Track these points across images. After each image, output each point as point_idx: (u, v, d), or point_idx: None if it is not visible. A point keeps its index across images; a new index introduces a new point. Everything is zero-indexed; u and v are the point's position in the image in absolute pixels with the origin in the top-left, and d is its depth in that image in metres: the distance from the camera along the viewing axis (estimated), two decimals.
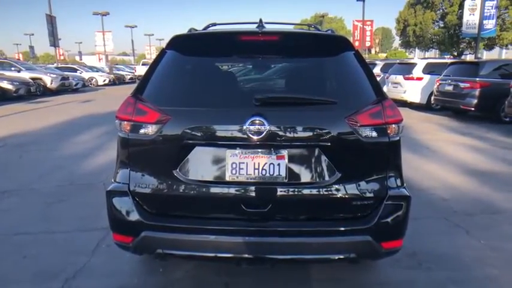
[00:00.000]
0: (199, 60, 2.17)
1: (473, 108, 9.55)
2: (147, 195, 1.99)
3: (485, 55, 29.91)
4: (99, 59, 53.86)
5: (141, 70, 29.03)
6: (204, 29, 2.71)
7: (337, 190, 1.93)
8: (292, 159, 1.91)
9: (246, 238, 1.87)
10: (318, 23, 52.20)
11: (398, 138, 2.01)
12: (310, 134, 1.91)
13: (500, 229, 3.32)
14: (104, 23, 39.64)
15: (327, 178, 1.93)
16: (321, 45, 2.19)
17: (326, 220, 1.97)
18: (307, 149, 1.93)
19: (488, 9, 18.43)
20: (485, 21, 18.52)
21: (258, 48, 2.13)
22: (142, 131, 1.95)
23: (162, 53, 2.19)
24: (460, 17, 22.01)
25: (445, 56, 26.58)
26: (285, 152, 1.90)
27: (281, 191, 1.91)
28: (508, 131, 8.17)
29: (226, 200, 1.94)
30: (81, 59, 74.24)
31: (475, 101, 9.40)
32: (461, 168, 5.26)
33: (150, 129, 1.94)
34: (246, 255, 1.91)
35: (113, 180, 2.14)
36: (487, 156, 6.01)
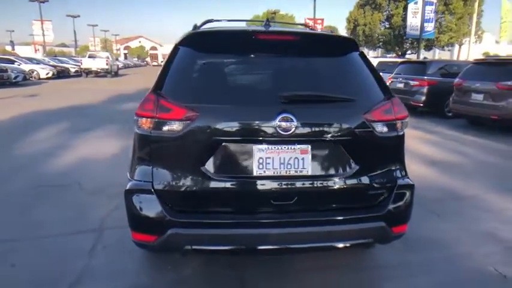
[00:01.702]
0: (219, 57, 2.19)
1: (421, 104, 10.35)
2: (174, 193, 1.98)
3: (425, 55, 32.36)
4: (36, 50, 49.80)
5: (88, 63, 27.30)
6: (201, 25, 2.73)
7: (356, 181, 2.08)
8: (315, 153, 2.02)
9: (273, 230, 1.96)
10: (270, 19, 52.59)
11: (403, 132, 2.20)
12: (332, 129, 2.04)
13: (467, 212, 3.71)
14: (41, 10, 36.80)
15: (346, 170, 2.07)
16: (333, 46, 2.31)
17: (346, 209, 2.11)
18: (329, 143, 2.05)
19: (428, 13, 19.94)
20: (425, 24, 20.03)
21: (276, 47, 2.19)
22: (166, 128, 1.94)
23: (176, 49, 2.16)
24: (405, 19, 23.62)
25: (388, 55, 28.32)
26: (308, 147, 2.01)
27: (305, 184, 2.02)
28: (452, 125, 8.96)
29: (253, 194, 2.00)
30: (13, 49, 68.21)
31: (423, 98, 10.21)
32: (420, 159, 5.72)
33: (176, 126, 1.93)
34: (275, 247, 1.99)
35: (130, 178, 2.09)
36: (439, 148, 6.59)
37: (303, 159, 2.00)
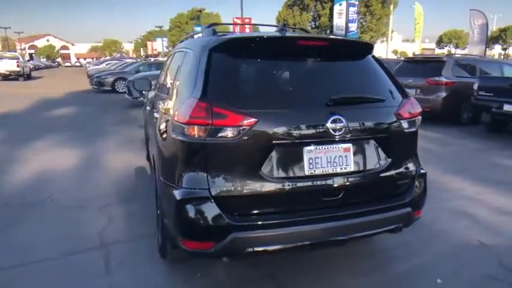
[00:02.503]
0: (258, 62, 2.23)
1: None
2: (233, 197, 2.01)
3: None
4: None
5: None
6: (208, 26, 2.80)
7: (389, 173, 2.32)
8: (355, 150, 2.21)
9: (325, 224, 2.10)
10: (195, 18, 51.98)
11: (417, 127, 2.50)
12: (370, 127, 2.25)
13: (432, 194, 4.20)
14: None
15: (381, 164, 2.30)
16: (357, 50, 2.51)
17: (383, 199, 2.34)
18: (366, 140, 2.26)
19: (351, 14, 21.54)
20: (350, 24, 21.61)
21: (312, 52, 2.33)
22: (222, 134, 1.96)
23: (210, 54, 2.16)
24: (331, 20, 25.17)
25: None
26: (350, 145, 2.19)
27: (349, 179, 2.19)
28: None
29: (306, 193, 2.12)
30: None
31: None
32: None
33: (232, 133, 1.96)
34: (326, 240, 2.15)
35: (176, 186, 2.06)
36: None
37: (346, 156, 2.18)
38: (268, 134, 2.01)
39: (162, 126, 2.47)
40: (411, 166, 2.46)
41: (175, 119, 2.12)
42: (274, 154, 2.05)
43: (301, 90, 2.22)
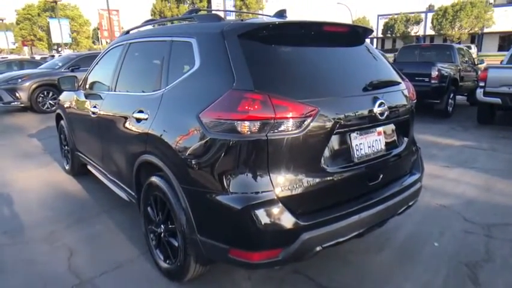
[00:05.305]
0: (295, 49, 2.05)
1: None
2: (299, 195, 1.83)
3: None
4: None
5: None
6: (194, 11, 2.57)
7: (407, 152, 2.46)
8: (385, 133, 2.27)
9: (377, 208, 2.11)
10: (49, 9, 45.59)
11: None
12: (397, 109, 2.32)
13: None
14: None
15: (403, 144, 2.42)
16: (364, 35, 2.50)
17: (405, 176, 2.47)
18: (393, 122, 2.32)
19: (228, 7, 22.06)
20: (227, 17, 22.08)
21: (339, 38, 2.29)
22: (284, 127, 1.76)
23: (243, 42, 1.91)
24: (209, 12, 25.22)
25: None
26: (382, 128, 2.24)
27: (384, 161, 2.24)
28: None
29: (357, 180, 2.09)
30: None
31: None
32: None
33: (295, 125, 1.78)
34: (377, 222, 2.18)
35: (230, 192, 1.79)
36: None
37: (379, 140, 2.22)
38: (327, 124, 1.90)
39: (170, 127, 2.14)
40: (415, 143, 2.67)
41: (211, 115, 1.83)
42: (331, 144, 1.96)
43: (340, 76, 2.15)
